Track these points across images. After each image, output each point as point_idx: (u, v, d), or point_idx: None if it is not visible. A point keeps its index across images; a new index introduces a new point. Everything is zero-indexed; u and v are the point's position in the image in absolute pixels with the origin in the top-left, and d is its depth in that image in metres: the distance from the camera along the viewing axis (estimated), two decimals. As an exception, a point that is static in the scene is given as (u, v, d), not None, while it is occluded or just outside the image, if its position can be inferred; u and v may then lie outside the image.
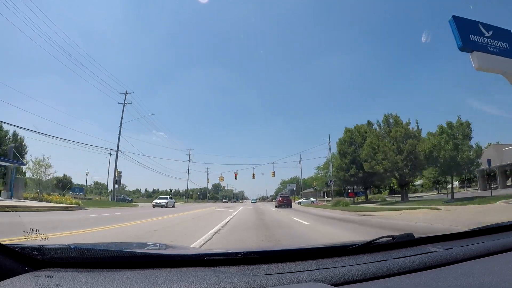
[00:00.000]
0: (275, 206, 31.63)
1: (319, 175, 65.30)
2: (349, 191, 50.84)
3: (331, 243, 2.75)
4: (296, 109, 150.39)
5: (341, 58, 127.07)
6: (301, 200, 51.63)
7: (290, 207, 30.16)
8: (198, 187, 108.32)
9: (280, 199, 31.97)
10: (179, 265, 1.30)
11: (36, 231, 1.89)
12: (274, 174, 47.85)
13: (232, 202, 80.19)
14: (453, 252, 1.48)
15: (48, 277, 1.10)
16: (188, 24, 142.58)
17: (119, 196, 49.06)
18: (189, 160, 74.93)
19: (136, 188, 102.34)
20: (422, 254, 1.45)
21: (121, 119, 39.20)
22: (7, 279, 1.05)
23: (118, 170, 39.20)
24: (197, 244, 5.84)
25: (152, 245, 2.32)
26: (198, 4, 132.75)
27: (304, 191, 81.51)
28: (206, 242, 6.20)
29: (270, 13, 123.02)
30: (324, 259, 1.43)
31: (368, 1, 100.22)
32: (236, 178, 47.79)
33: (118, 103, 39.91)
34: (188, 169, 75.88)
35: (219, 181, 55.14)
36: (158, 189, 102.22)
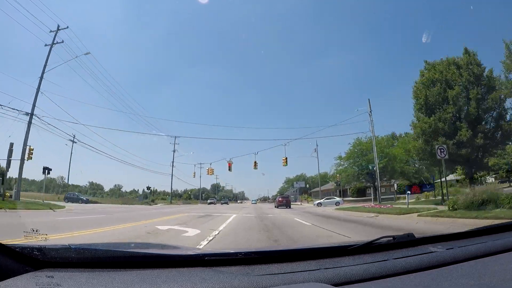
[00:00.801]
0: (275, 206, 32.95)
1: (338, 169, 47.21)
2: (388, 184, 40.21)
3: (332, 243, 2.75)
4: (296, 109, 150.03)
5: (342, 58, 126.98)
6: (321, 201, 37.48)
7: (290, 207, 31.49)
8: (196, 188, 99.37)
9: (280, 199, 33.97)
10: (180, 265, 1.31)
11: (36, 231, 1.89)
12: (286, 161, 31.69)
13: (222, 204, 54.95)
14: (454, 252, 1.48)
15: (48, 277, 1.10)
16: (188, 24, 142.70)
17: (69, 194, 38.27)
18: (174, 151, 59.10)
19: (133, 189, 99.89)
20: (422, 254, 1.45)
21: (45, 65, 24.14)
22: (8, 279, 1.05)
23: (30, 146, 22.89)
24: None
25: (152, 245, 2.32)
26: (198, 4, 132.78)
27: (313, 190, 69.27)
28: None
29: (271, 13, 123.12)
30: (325, 259, 1.43)
31: (369, 1, 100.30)
32: (230, 170, 32.68)
33: (46, 45, 25.08)
34: (173, 162, 59.76)
35: (208, 174, 39.43)
36: (156, 189, 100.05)
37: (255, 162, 32.72)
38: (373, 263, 1.34)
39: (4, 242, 1.18)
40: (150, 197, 66.01)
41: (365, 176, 41.15)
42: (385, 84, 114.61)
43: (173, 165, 59.51)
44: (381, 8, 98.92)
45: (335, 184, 50.08)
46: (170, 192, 71.99)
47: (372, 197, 42.02)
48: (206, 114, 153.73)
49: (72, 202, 33.51)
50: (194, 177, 53.01)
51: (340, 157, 46.65)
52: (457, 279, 1.17)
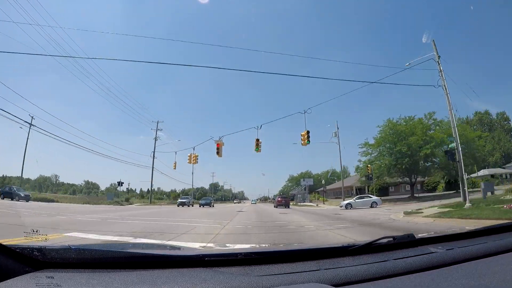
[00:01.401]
0: (274, 206, 33.30)
1: (365, 159, 35.78)
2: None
3: (332, 243, 2.75)
4: (297, 108, 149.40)
5: (342, 57, 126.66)
6: (351, 201, 27.52)
7: (288, 207, 31.68)
8: (194, 187, 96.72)
9: (279, 199, 34.38)
10: (180, 265, 1.31)
11: (37, 231, 1.89)
12: (308, 137, 19.56)
13: (203, 206, 35.81)
14: (454, 253, 1.48)
15: (48, 277, 1.10)
16: (188, 24, 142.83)
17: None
18: (155, 139, 47.83)
19: (131, 188, 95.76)
20: (423, 255, 1.45)
21: None
22: (8, 280, 1.05)
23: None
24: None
25: (153, 246, 2.33)
26: (198, 4, 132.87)
27: (330, 187, 61.91)
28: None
29: (271, 13, 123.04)
30: (325, 260, 1.43)
31: (368, 1, 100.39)
32: (219, 153, 22.59)
33: None
34: (154, 152, 47.51)
35: (190, 163, 27.62)
36: (154, 189, 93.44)
37: (257, 140, 21.64)
38: (373, 263, 1.34)
39: (4, 242, 1.18)
40: (122, 195, 51.89)
41: (401, 167, 31.39)
42: (385, 83, 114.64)
43: (154, 155, 46.45)
44: (380, 8, 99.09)
45: (365, 178, 37.36)
46: (166, 190, 63.00)
47: (410, 195, 33.67)
48: (205, 113, 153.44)
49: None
50: (175, 168, 36.50)
51: (366, 143, 34.18)
52: (457, 279, 1.17)
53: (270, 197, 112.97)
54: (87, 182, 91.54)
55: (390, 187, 44.46)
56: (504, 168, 36.79)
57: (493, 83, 78.56)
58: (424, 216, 11.95)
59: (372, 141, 34.65)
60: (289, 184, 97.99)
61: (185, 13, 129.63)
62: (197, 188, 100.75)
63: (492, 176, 33.48)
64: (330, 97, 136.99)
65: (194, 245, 6.41)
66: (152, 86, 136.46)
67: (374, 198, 28.23)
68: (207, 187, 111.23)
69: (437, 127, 33.09)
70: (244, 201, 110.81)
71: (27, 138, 31.29)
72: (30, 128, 29.95)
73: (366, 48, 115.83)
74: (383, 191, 41.42)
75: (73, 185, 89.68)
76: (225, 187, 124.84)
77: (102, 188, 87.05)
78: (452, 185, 25.44)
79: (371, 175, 34.46)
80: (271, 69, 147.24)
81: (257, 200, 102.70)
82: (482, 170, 29.89)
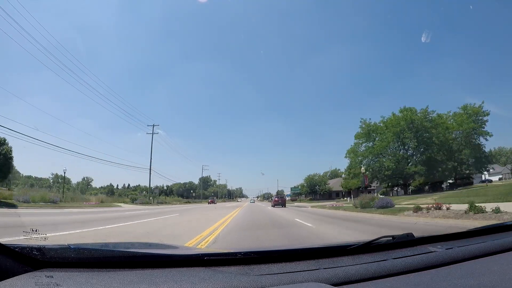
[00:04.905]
0: (271, 206, 33.70)
1: None
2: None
3: (331, 243, 2.76)
4: (297, 107, 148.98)
5: (342, 56, 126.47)
6: None
7: (284, 206, 32.30)
8: (181, 182, 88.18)
9: (276, 199, 35.88)
10: (179, 265, 1.31)
11: (36, 231, 1.89)
12: None
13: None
14: (453, 252, 1.48)
15: (48, 277, 1.10)
16: (187, 22, 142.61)
17: None
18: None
19: (110, 183, 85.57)
20: (422, 254, 1.46)
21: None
22: (7, 279, 1.05)
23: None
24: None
25: (152, 245, 2.33)
26: (197, 3, 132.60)
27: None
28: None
29: (270, 10, 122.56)
30: (324, 259, 1.43)
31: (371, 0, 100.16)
32: None
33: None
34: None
35: None
36: (129, 184, 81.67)
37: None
38: (372, 263, 1.34)
39: (3, 242, 1.18)
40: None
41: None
42: (385, 81, 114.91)
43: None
44: (378, 5, 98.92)
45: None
46: (148, 187, 42.89)
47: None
48: (204, 111, 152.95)
49: None
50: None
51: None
52: (456, 279, 1.18)
53: (275, 194, 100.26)
54: (55, 176, 75.48)
55: (440, 183, 38.93)
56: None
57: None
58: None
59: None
60: (358, 161, 41.98)
61: (183, 11, 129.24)
62: (184, 184, 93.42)
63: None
64: (320, 93, 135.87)
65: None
66: (147, 83, 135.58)
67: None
68: (196, 181, 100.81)
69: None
70: (241, 199, 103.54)
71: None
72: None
73: (362, 48, 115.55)
74: (435, 187, 34.43)
75: (41, 179, 74.20)
76: (218, 182, 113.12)
77: (74, 182, 79.24)
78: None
79: None
80: (269, 67, 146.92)
81: (257, 197, 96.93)
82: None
